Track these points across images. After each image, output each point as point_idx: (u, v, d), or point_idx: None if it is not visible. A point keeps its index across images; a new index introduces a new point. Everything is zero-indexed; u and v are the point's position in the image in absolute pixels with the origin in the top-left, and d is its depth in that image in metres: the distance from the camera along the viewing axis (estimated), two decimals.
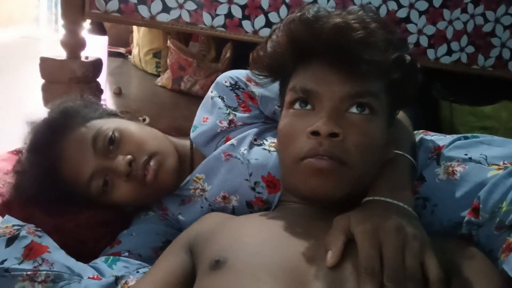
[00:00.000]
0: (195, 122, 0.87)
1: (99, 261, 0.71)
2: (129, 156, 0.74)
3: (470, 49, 1.40)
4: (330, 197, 0.57)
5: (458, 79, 1.56)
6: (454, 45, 1.39)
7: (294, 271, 0.50)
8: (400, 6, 1.32)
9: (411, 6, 1.32)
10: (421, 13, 1.33)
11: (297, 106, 0.61)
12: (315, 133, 0.56)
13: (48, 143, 0.76)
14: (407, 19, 1.34)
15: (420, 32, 1.36)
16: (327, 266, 0.50)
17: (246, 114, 0.84)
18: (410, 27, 1.35)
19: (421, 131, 0.76)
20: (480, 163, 0.63)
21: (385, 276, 0.47)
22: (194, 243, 0.64)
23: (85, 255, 0.71)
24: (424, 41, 1.37)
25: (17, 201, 0.76)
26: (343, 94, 0.58)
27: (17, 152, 0.87)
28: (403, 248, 0.49)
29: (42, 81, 1.29)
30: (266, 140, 0.81)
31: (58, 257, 0.66)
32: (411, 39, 1.36)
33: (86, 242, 0.78)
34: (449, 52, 1.39)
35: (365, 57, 0.56)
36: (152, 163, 0.76)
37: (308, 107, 0.60)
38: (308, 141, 0.57)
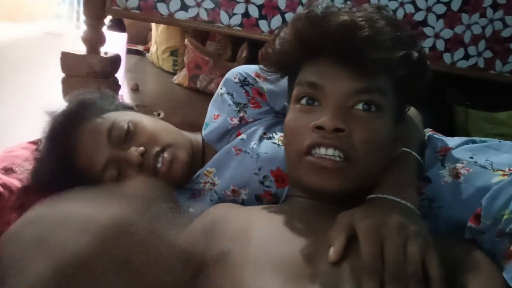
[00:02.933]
0: (206, 120, 0.88)
1: None
2: (141, 148, 0.76)
3: (488, 54, 1.39)
4: (333, 193, 0.58)
5: (474, 84, 1.55)
6: (471, 50, 1.38)
7: (297, 266, 0.51)
8: (417, 9, 1.31)
9: (429, 9, 1.32)
10: (438, 17, 1.33)
11: (303, 102, 0.62)
12: (319, 128, 0.57)
13: (64, 132, 0.78)
14: (424, 22, 1.33)
15: (437, 35, 1.35)
16: (329, 261, 0.50)
17: (256, 110, 0.84)
18: (427, 30, 1.34)
19: (429, 129, 0.76)
20: (485, 168, 0.62)
21: (386, 273, 0.47)
22: (206, 233, 0.65)
23: None
24: (440, 45, 1.36)
25: (34, 186, 0.78)
26: (349, 90, 0.58)
27: (36, 142, 0.90)
28: (404, 246, 0.49)
29: (63, 75, 1.33)
30: (276, 134, 0.81)
31: None
32: (428, 42, 1.35)
33: None
34: (466, 56, 1.38)
35: (371, 55, 0.56)
36: (166, 154, 0.78)
37: (315, 104, 0.60)
38: (312, 135, 0.58)
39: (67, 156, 0.77)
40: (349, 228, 0.52)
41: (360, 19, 0.57)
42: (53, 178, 0.77)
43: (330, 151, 0.57)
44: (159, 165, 0.78)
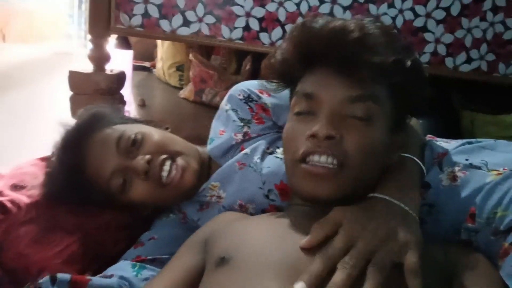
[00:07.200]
0: (211, 135, 0.90)
1: (127, 267, 0.74)
2: (148, 156, 0.78)
3: (490, 57, 1.38)
4: (325, 199, 0.59)
5: (479, 88, 1.54)
6: (473, 53, 1.37)
7: (294, 269, 0.52)
8: (416, 15, 1.32)
9: (428, 15, 1.32)
10: (438, 22, 1.33)
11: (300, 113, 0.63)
12: (313, 136, 0.58)
13: (75, 142, 0.81)
14: (424, 28, 1.34)
15: (437, 41, 1.35)
16: (299, 246, 0.53)
17: (260, 126, 0.86)
18: (428, 36, 1.34)
19: (428, 135, 0.76)
20: (481, 169, 0.62)
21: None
22: (208, 241, 0.67)
23: (103, 256, 0.74)
24: (442, 50, 1.36)
25: (44, 201, 0.80)
26: (343, 98, 0.59)
27: (45, 158, 0.92)
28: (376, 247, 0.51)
29: (71, 93, 1.36)
30: (278, 148, 0.83)
31: (98, 281, 0.66)
32: (429, 48, 1.35)
33: (105, 243, 0.82)
34: (469, 60, 1.38)
35: (362, 59, 0.57)
36: (179, 162, 0.80)
37: (311, 114, 0.62)
38: (306, 143, 0.59)
39: (77, 166, 0.80)
40: (334, 227, 0.54)
41: (352, 24, 0.59)
42: (64, 188, 0.79)
43: (324, 159, 0.58)
44: (164, 173, 0.79)
